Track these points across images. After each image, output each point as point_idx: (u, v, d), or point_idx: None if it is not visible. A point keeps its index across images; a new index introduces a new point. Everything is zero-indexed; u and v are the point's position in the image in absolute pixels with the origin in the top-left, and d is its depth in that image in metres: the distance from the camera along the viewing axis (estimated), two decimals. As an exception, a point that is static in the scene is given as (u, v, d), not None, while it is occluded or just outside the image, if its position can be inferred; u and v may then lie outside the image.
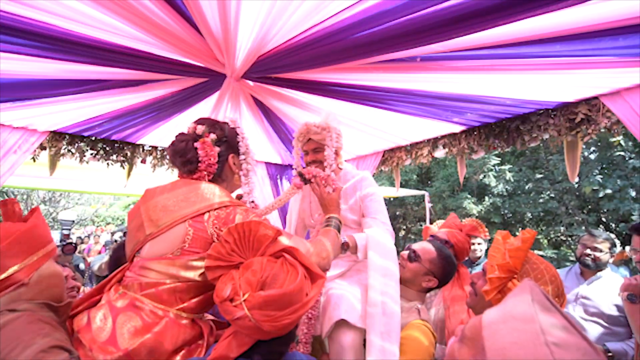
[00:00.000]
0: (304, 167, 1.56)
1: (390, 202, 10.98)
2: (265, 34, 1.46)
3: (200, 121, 1.20)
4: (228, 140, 1.20)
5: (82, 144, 2.87)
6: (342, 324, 1.29)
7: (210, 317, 1.19)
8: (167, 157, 3.23)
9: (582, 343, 0.48)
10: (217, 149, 1.15)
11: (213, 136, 1.15)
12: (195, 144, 1.13)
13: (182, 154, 1.12)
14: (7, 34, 1.41)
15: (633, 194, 7.33)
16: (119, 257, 1.72)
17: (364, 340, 1.31)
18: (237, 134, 1.24)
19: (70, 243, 4.76)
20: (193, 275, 1.00)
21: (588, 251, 2.28)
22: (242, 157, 1.23)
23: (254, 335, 0.86)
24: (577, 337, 0.49)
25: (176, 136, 1.18)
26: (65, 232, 7.41)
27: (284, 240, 0.96)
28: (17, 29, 1.40)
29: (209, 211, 1.04)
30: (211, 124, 1.19)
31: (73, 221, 8.36)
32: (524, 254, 1.07)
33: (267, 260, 0.90)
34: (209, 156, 1.12)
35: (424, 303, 1.52)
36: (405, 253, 1.54)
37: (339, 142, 1.63)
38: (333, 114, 1.61)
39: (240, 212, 1.06)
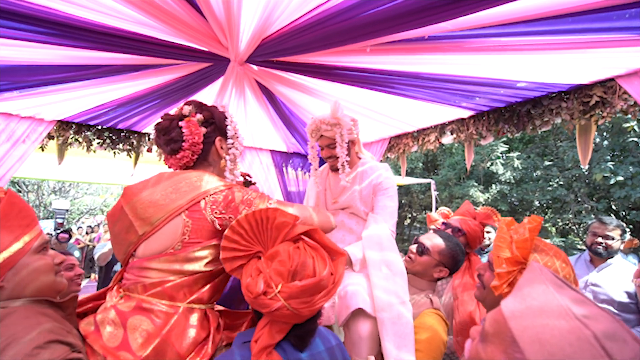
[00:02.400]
0: None
1: (396, 191, 10.90)
2: (269, 15, 1.42)
3: (187, 102, 1.16)
4: (215, 122, 1.15)
5: (88, 133, 2.88)
6: (358, 313, 1.30)
7: (220, 307, 1.18)
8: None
9: (602, 311, 0.48)
10: (204, 129, 1.10)
11: (200, 116, 1.11)
12: (180, 123, 1.08)
13: (166, 132, 1.08)
14: (8, 18, 1.39)
15: (645, 181, 7.17)
16: None
17: None
18: (226, 117, 1.18)
19: (64, 231, 4.81)
20: (198, 266, 0.97)
21: (600, 239, 2.24)
22: (229, 141, 1.18)
23: (292, 321, 0.89)
24: (596, 307, 0.49)
25: (162, 116, 1.14)
26: (59, 220, 7.46)
27: (301, 227, 0.95)
28: (18, 13, 1.38)
29: (204, 198, 0.98)
30: (198, 105, 1.15)
31: (67, 210, 8.44)
32: (531, 243, 1.04)
33: (294, 248, 0.90)
34: (193, 135, 1.07)
35: (434, 292, 1.53)
36: (414, 247, 1.54)
37: (353, 134, 1.61)
38: (340, 107, 1.57)
39: (237, 190, 1.02)
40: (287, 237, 0.92)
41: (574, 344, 0.44)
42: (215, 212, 0.98)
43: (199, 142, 1.09)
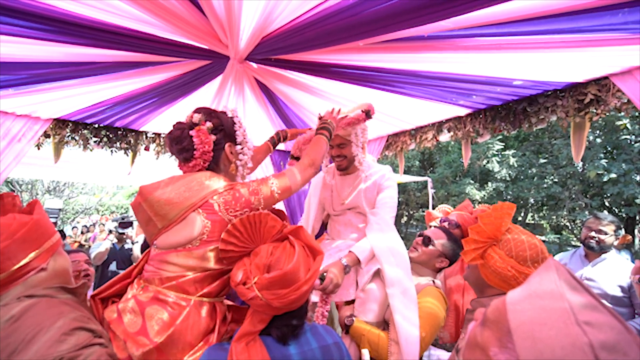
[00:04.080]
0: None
1: (392, 189, 10.97)
2: (270, 13, 1.42)
3: (197, 110, 1.21)
4: (225, 129, 1.20)
5: (85, 131, 2.87)
6: (375, 281, 1.42)
7: (229, 302, 1.25)
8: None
9: (613, 321, 0.46)
10: (213, 137, 1.15)
11: (209, 124, 1.16)
12: (191, 132, 1.13)
13: (178, 142, 1.14)
14: (6, 15, 1.38)
15: (638, 178, 7.30)
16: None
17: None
18: (235, 123, 1.23)
19: (59, 231, 4.84)
20: (210, 264, 1.05)
21: (593, 234, 2.28)
22: (238, 146, 1.23)
23: (267, 312, 0.96)
24: (608, 316, 0.46)
25: (173, 125, 1.18)
26: (53, 220, 7.36)
27: (288, 228, 1.07)
28: (16, 10, 1.37)
29: (213, 197, 1.06)
30: (208, 113, 1.20)
31: (59, 209, 8.35)
32: (497, 220, 1.12)
33: (273, 247, 1.01)
34: (203, 144, 1.12)
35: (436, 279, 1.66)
36: (419, 239, 1.71)
37: (364, 137, 1.70)
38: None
39: (240, 186, 1.11)
40: (275, 238, 1.05)
41: (566, 349, 0.43)
42: (231, 212, 1.06)
43: (209, 150, 1.15)
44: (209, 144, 1.13)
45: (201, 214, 1.05)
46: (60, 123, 2.73)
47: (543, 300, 0.49)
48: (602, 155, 7.56)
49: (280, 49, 1.68)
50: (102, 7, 1.42)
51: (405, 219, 13.22)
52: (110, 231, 3.70)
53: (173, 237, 1.06)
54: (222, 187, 1.09)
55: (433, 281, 1.58)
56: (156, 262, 1.07)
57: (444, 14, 1.27)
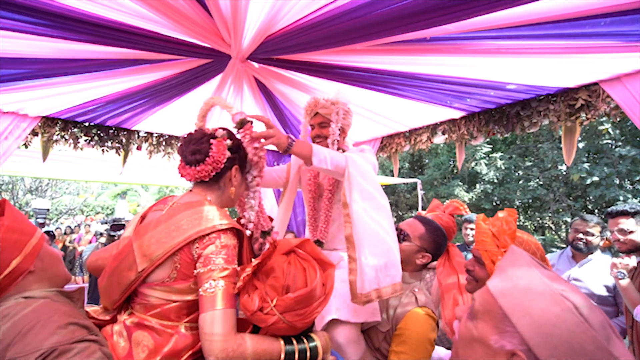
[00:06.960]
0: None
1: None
2: (276, 13, 1.42)
3: (222, 128, 1.23)
4: (240, 154, 1.22)
5: (75, 129, 2.79)
6: (334, 321, 1.30)
7: None
8: (165, 144, 3.18)
9: (571, 285, 0.55)
10: (228, 153, 1.17)
11: (229, 142, 1.17)
12: (212, 140, 1.14)
13: (196, 142, 1.13)
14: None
15: (618, 181, 7.58)
16: None
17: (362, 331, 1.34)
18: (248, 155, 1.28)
19: (48, 232, 4.66)
20: (193, 296, 1.02)
21: (580, 235, 2.35)
22: (248, 175, 1.26)
23: (288, 333, 0.93)
24: (566, 282, 0.56)
25: (195, 130, 1.20)
26: (40, 220, 7.11)
27: (294, 240, 1.03)
28: (10, 2, 1.33)
29: (196, 239, 1.00)
30: (230, 134, 1.22)
31: (47, 210, 8.07)
32: (511, 230, 1.17)
33: (287, 264, 0.95)
34: (219, 153, 1.13)
35: (421, 282, 1.49)
36: None
37: (347, 120, 1.58)
38: (344, 93, 1.58)
39: (217, 243, 1.00)
40: (278, 252, 0.98)
41: (560, 315, 0.51)
42: (197, 252, 1.00)
43: (222, 161, 1.14)
44: (224, 156, 1.14)
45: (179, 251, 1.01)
46: (49, 121, 2.65)
47: (525, 282, 0.56)
48: (584, 159, 7.83)
49: (283, 48, 1.68)
50: (104, 3, 1.39)
51: (395, 219, 13.33)
52: (101, 234, 3.59)
53: (154, 274, 1.02)
54: (211, 227, 1.01)
55: (416, 298, 1.36)
56: (140, 292, 1.05)
57: (448, 18, 1.29)
